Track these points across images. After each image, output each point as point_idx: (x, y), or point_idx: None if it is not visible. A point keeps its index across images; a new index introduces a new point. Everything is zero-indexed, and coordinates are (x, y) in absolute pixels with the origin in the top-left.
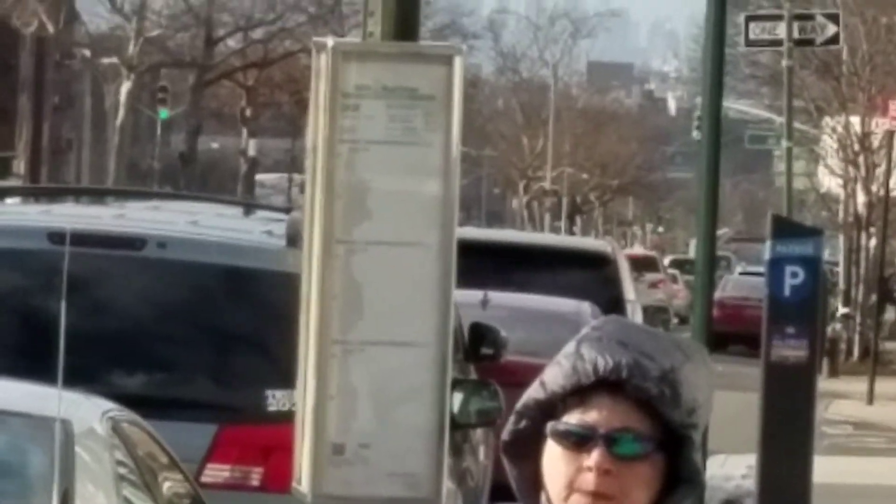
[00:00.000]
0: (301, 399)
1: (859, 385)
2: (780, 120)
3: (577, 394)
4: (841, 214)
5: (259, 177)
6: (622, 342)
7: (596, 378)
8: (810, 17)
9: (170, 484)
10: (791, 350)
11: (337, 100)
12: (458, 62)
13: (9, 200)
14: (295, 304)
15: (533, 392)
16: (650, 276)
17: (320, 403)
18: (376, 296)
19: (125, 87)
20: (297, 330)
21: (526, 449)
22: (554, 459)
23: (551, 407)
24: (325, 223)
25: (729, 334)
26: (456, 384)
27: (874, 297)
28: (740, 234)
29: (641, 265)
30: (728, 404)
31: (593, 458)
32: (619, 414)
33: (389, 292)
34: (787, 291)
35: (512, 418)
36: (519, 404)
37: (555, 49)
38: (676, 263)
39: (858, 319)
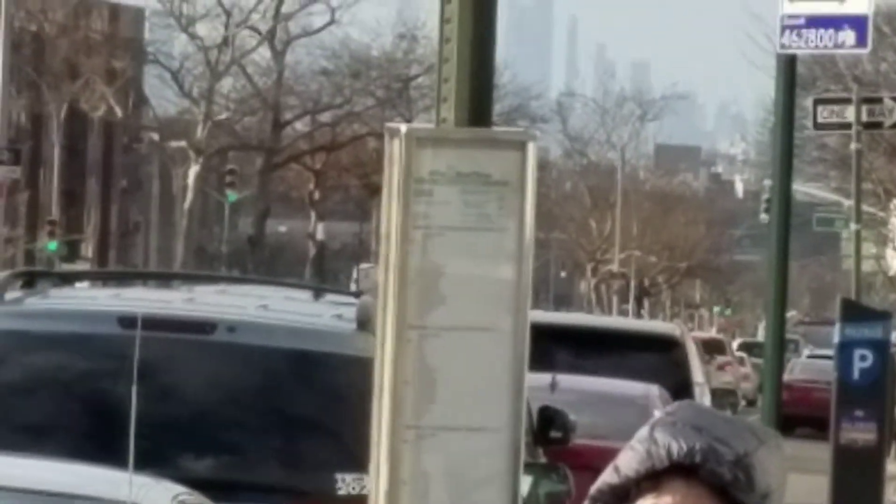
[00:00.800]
0: (374, 484)
1: None
2: (847, 202)
3: (651, 478)
4: None
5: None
6: (696, 427)
7: (670, 462)
8: (878, 101)
9: None
10: (860, 433)
11: (410, 186)
12: (531, 148)
13: (78, 285)
14: (365, 388)
15: (607, 477)
16: (718, 359)
17: (393, 489)
18: (449, 381)
19: (193, 170)
20: (368, 414)
21: None
22: None
23: (625, 492)
24: (399, 308)
25: (797, 417)
26: (525, 467)
27: None
28: (808, 317)
29: (710, 348)
30: (797, 487)
31: None
32: (692, 498)
33: (462, 377)
34: (855, 374)
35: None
36: (593, 489)
37: (622, 132)
38: (745, 346)
39: None
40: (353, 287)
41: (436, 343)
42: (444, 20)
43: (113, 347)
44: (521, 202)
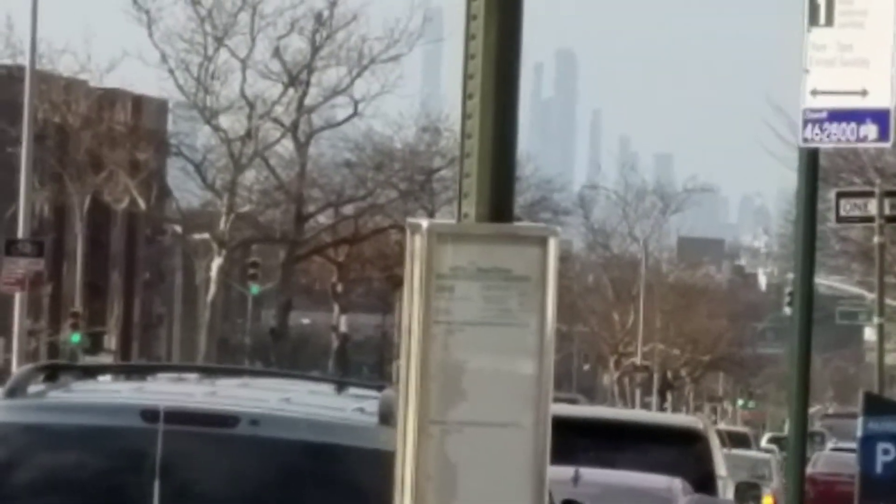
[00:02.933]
0: None
1: None
2: (871, 296)
3: None
4: None
5: None
6: None
7: None
8: None
9: None
10: None
11: (432, 281)
12: (552, 243)
13: (101, 378)
14: (387, 483)
15: None
16: (741, 452)
17: None
18: (471, 476)
19: (216, 262)
20: None
21: None
22: None
23: None
24: (420, 403)
25: None
26: None
27: None
28: (833, 409)
29: (734, 441)
30: None
31: None
32: None
33: (484, 473)
34: (878, 468)
35: None
36: None
37: (645, 224)
38: (775, 440)
39: None
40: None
41: (457, 438)
42: (465, 115)
43: (135, 441)
44: (542, 297)
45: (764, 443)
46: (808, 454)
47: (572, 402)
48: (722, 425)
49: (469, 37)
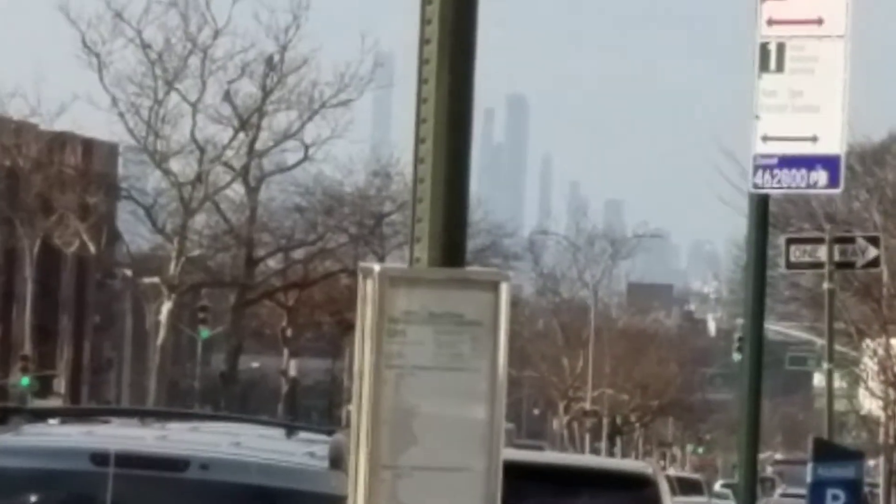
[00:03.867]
0: None
1: None
2: (820, 342)
3: None
4: (881, 436)
5: None
6: None
7: None
8: (851, 241)
9: None
10: None
11: (384, 325)
12: (504, 288)
13: (51, 421)
14: None
15: None
16: (695, 500)
17: None
18: None
19: (166, 306)
20: None
21: None
22: None
23: None
24: (372, 448)
25: None
26: None
27: None
28: (781, 455)
29: (687, 487)
30: None
31: None
32: None
33: None
34: None
35: None
36: None
37: (595, 270)
38: (728, 486)
39: None
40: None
41: (409, 483)
42: (417, 160)
43: (85, 485)
44: (493, 342)
45: (717, 488)
46: (758, 500)
47: (539, 449)
48: (673, 471)
49: (422, 81)
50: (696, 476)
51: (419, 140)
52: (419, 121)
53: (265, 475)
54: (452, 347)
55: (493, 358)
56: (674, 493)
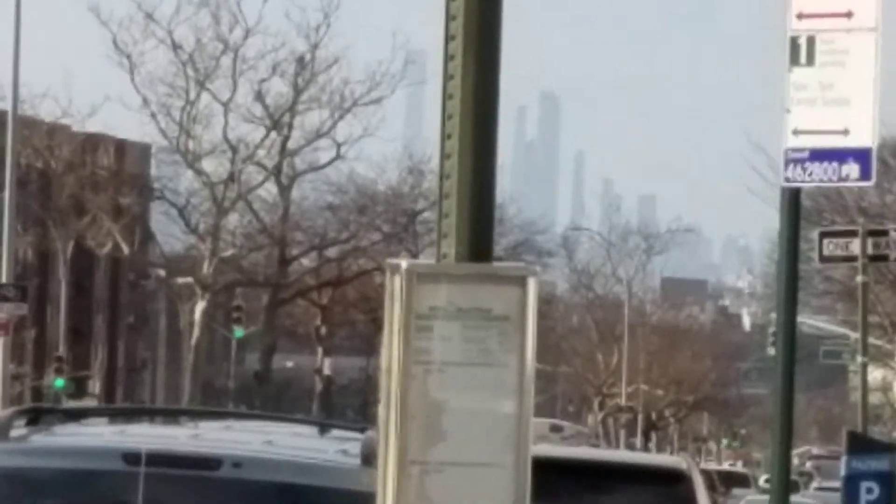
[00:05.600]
0: None
1: None
2: (854, 335)
3: None
4: None
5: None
6: None
7: None
8: (884, 234)
9: None
10: None
11: (411, 321)
12: (531, 283)
13: (84, 421)
14: None
15: None
16: (740, 492)
17: None
18: None
19: (200, 306)
20: None
21: None
22: None
23: None
24: (400, 444)
25: None
26: None
27: None
28: (821, 451)
29: (735, 481)
30: None
31: None
32: None
33: None
34: None
35: None
36: None
37: (629, 265)
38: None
39: None
40: None
41: (437, 479)
42: (444, 155)
43: (117, 484)
44: (522, 337)
45: (762, 482)
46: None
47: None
48: (723, 466)
49: (447, 77)
50: (743, 470)
51: (445, 136)
52: (445, 117)
53: (297, 473)
54: (480, 343)
55: (522, 353)
56: (723, 486)
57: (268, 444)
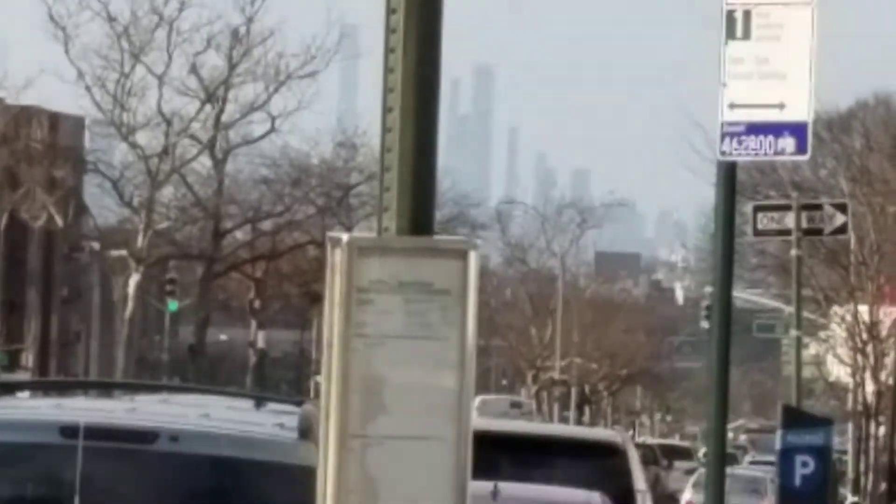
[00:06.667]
0: None
1: None
2: (788, 309)
3: None
4: (850, 403)
5: (483, 398)
6: None
7: None
8: (818, 207)
9: None
10: None
11: (352, 295)
12: (472, 257)
13: (19, 394)
14: (307, 498)
15: None
16: (685, 465)
17: None
18: (392, 490)
19: (133, 279)
20: None
21: None
22: None
23: None
24: (341, 417)
25: None
26: None
27: (883, 486)
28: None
29: (676, 454)
30: None
31: None
32: None
33: (405, 486)
34: (797, 481)
35: None
36: None
37: (562, 239)
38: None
39: None
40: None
41: (379, 452)
42: (385, 129)
43: (55, 457)
44: (462, 311)
45: (700, 455)
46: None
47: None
48: (665, 441)
49: (388, 50)
50: (685, 444)
51: (387, 109)
52: (386, 90)
53: (234, 446)
54: (422, 316)
55: (463, 326)
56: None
57: (204, 417)
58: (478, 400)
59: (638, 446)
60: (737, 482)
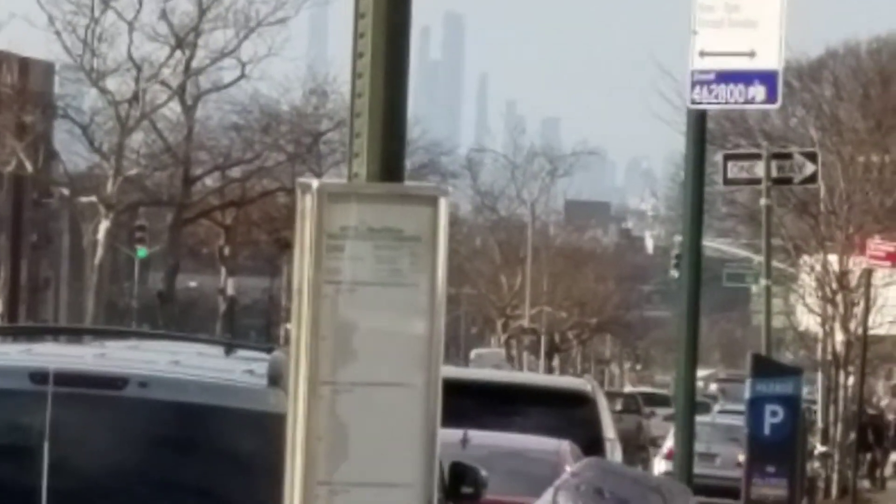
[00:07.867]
0: None
1: None
2: (757, 258)
3: None
4: (819, 353)
5: (477, 351)
6: (599, 490)
7: None
8: (788, 156)
9: None
10: (771, 489)
11: (322, 241)
12: (442, 203)
13: None
14: (277, 444)
15: None
16: (664, 412)
17: None
18: (362, 437)
19: (103, 225)
20: (280, 470)
21: None
22: None
23: None
24: (311, 364)
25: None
26: None
27: (852, 436)
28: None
29: (656, 402)
30: None
31: None
32: None
33: (375, 433)
34: (766, 430)
35: None
36: None
37: (532, 187)
38: None
39: (837, 458)
40: None
41: (348, 399)
42: (355, 75)
43: (24, 403)
44: (432, 258)
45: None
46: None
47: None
48: (646, 389)
49: None
50: (664, 392)
51: (357, 55)
52: (357, 35)
53: (204, 393)
54: (392, 263)
55: (432, 273)
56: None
57: (174, 364)
58: (473, 353)
59: (621, 395)
60: (716, 431)
